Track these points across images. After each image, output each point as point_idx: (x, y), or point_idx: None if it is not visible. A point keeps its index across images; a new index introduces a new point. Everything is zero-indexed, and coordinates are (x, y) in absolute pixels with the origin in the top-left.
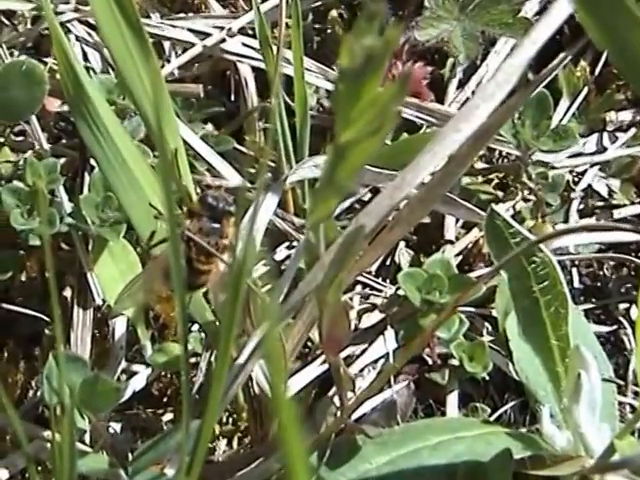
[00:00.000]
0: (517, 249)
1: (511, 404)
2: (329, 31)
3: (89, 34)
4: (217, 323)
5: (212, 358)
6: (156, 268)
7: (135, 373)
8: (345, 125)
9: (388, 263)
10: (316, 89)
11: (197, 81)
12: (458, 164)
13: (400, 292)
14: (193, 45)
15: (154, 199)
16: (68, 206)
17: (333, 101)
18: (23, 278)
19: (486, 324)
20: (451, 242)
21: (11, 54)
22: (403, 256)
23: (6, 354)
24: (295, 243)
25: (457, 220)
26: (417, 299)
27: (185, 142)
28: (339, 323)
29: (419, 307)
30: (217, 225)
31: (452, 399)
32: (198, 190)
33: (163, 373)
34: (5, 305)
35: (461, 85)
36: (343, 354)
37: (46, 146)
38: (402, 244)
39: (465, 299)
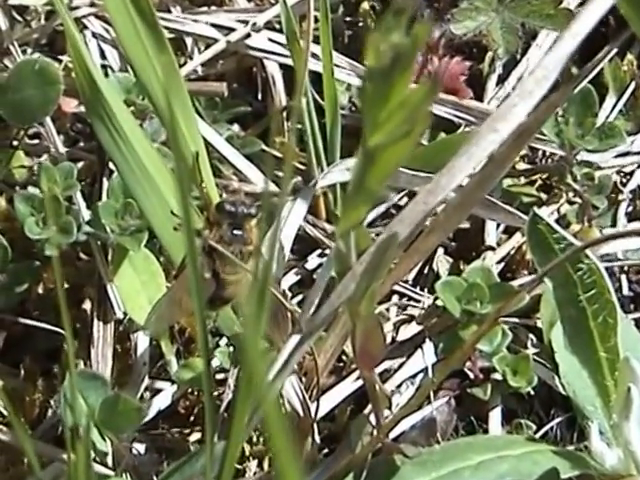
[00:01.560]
0: (562, 256)
1: (557, 420)
2: (360, 24)
3: (106, 30)
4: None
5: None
6: (183, 284)
7: (159, 390)
8: (374, 128)
9: (426, 271)
10: (347, 86)
11: (222, 79)
12: (497, 166)
13: (439, 302)
14: (216, 41)
15: (175, 206)
16: (86, 213)
17: (360, 102)
18: (40, 290)
19: (530, 335)
20: (492, 248)
21: (24, 52)
22: (441, 264)
23: (23, 371)
24: (327, 251)
25: (498, 225)
26: (456, 310)
27: (209, 144)
28: (373, 337)
29: (459, 318)
30: (239, 232)
31: (495, 415)
32: (224, 195)
33: (190, 390)
34: (21, 319)
35: (501, 81)
36: (379, 369)
37: (62, 149)
38: (440, 251)
39: (508, 309)
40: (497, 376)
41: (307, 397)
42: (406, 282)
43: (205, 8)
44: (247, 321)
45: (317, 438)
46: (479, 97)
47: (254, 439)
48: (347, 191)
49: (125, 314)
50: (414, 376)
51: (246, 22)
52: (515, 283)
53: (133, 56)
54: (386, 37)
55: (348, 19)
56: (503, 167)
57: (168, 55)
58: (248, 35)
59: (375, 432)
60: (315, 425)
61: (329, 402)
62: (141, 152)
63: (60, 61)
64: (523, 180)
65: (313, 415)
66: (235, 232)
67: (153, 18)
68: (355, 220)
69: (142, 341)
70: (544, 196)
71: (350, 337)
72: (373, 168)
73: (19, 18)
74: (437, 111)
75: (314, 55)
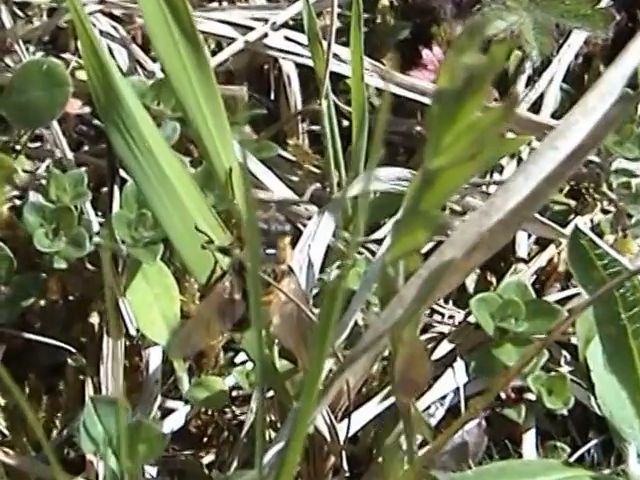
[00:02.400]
0: (612, 282)
1: (593, 442)
2: (379, 21)
3: (115, 28)
4: (276, 359)
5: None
6: (211, 305)
7: (172, 410)
8: (437, 150)
9: None
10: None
11: (231, 78)
12: (550, 184)
13: (470, 319)
14: (231, 40)
15: (199, 219)
16: (96, 222)
17: (426, 123)
18: (43, 302)
19: (564, 352)
20: (523, 260)
21: (26, 50)
22: (469, 276)
23: (28, 389)
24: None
25: (529, 235)
26: (490, 327)
27: None
28: (417, 364)
29: (492, 336)
30: (272, 250)
31: (529, 438)
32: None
33: (203, 409)
34: (23, 334)
35: (530, 82)
36: None
37: (69, 155)
38: None
39: (556, 335)
40: (531, 396)
41: (334, 421)
42: None
43: (217, 4)
44: (313, 352)
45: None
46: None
47: None
48: (401, 215)
49: (137, 330)
50: (444, 397)
51: (262, 20)
52: (550, 298)
53: (165, 58)
54: (460, 57)
55: (366, 16)
56: (556, 185)
57: (203, 58)
58: (265, 34)
59: (407, 460)
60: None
61: (354, 424)
62: (160, 159)
63: (63, 59)
64: None
65: (341, 439)
66: (268, 251)
67: (189, 19)
68: (409, 247)
69: (154, 358)
70: (572, 202)
71: (390, 363)
72: (431, 191)
73: (21, 14)
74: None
75: (335, 55)
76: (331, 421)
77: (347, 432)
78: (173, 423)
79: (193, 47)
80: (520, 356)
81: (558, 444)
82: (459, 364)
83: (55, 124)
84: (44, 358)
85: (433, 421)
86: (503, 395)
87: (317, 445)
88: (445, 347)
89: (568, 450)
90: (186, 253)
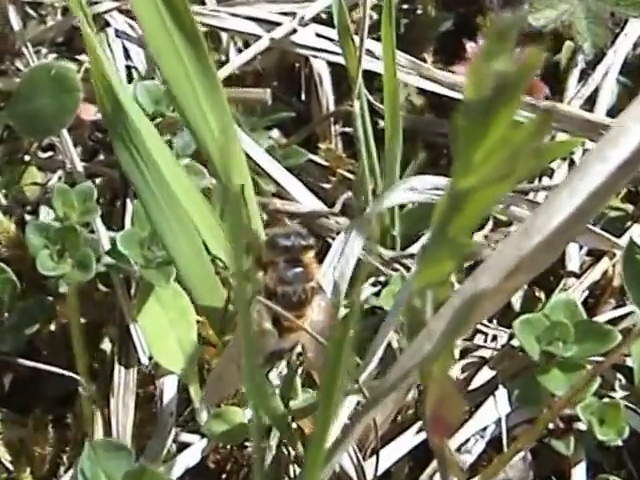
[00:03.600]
0: None
1: None
2: (419, 12)
3: (131, 27)
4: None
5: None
6: (236, 348)
7: (187, 445)
8: (467, 169)
9: None
10: (404, 84)
11: (259, 78)
12: (600, 199)
13: (514, 342)
14: (257, 37)
15: (211, 241)
16: (106, 239)
17: (454, 139)
18: (52, 327)
19: (618, 375)
20: (574, 274)
21: (37, 52)
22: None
23: (32, 421)
24: (382, 279)
25: (581, 247)
26: (536, 351)
27: (247, 156)
28: (448, 402)
29: (537, 361)
30: (298, 268)
31: (579, 473)
32: (264, 215)
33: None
34: (28, 362)
35: (584, 76)
36: None
37: (79, 167)
38: None
39: (610, 361)
40: (581, 425)
41: (361, 459)
42: None
43: None
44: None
45: None
46: (557, 93)
47: None
48: (428, 240)
49: (150, 358)
50: (485, 429)
51: (291, 14)
52: (604, 317)
53: (162, 60)
54: (488, 64)
55: (405, 6)
56: (606, 199)
57: (205, 60)
58: (294, 31)
59: None
60: None
61: (386, 460)
62: (168, 176)
63: (79, 62)
64: None
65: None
66: (294, 269)
67: (188, 15)
68: (437, 276)
69: (169, 387)
70: (630, 207)
71: (420, 401)
72: (460, 215)
73: (33, 13)
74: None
75: (368, 51)
76: (358, 460)
77: (376, 471)
78: (189, 459)
79: (195, 51)
80: (569, 383)
81: (611, 478)
82: (501, 392)
83: (65, 133)
84: (52, 388)
85: (471, 456)
86: (551, 425)
87: None
88: (486, 373)
89: None
90: (193, 280)
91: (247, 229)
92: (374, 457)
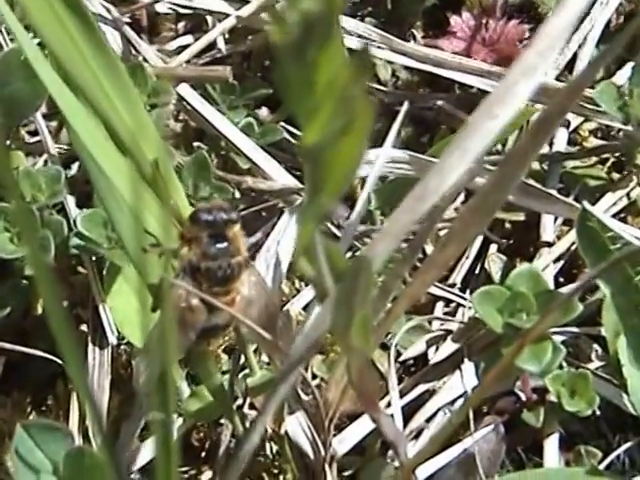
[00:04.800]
0: (614, 257)
1: (627, 446)
2: None
3: (107, 10)
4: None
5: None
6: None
7: None
8: (305, 122)
9: (478, 271)
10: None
11: (249, 58)
12: (516, 163)
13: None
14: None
15: (150, 219)
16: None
17: (280, 92)
18: (40, 310)
19: (595, 346)
20: (549, 244)
21: (12, 40)
22: (494, 263)
23: (11, 402)
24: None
25: (556, 217)
26: (498, 324)
27: (224, 136)
28: (366, 374)
29: (502, 333)
30: (223, 244)
31: (551, 444)
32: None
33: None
34: (7, 345)
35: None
36: (410, 395)
37: (52, 149)
38: (493, 248)
39: (546, 326)
40: (554, 397)
41: (317, 435)
42: (453, 286)
43: None
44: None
45: (334, 478)
46: None
47: None
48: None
49: (121, 338)
50: (452, 402)
51: None
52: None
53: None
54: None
55: None
56: (524, 164)
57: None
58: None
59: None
60: (332, 465)
61: (355, 435)
62: (98, 155)
63: None
64: (594, 159)
65: (326, 454)
66: (218, 245)
67: None
68: (307, 237)
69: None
70: (617, 176)
71: (346, 372)
72: (321, 174)
73: None
74: (485, 86)
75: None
76: (313, 436)
77: (327, 447)
78: None
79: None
80: (534, 357)
81: (585, 449)
82: (467, 366)
83: (39, 116)
84: (38, 371)
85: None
86: (523, 397)
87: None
88: (452, 346)
89: (599, 455)
90: (137, 259)
91: (168, 205)
92: (343, 433)
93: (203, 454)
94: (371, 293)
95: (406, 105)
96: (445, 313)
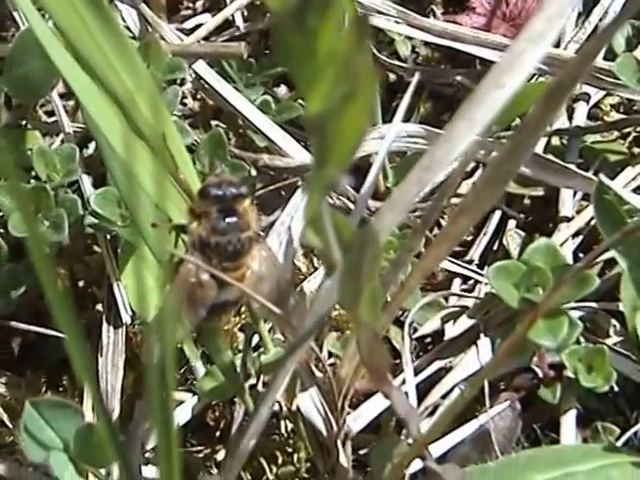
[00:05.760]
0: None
1: None
2: None
3: None
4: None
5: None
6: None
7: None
8: (307, 92)
9: (496, 248)
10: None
11: (267, 36)
12: (529, 132)
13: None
14: None
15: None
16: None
17: (282, 61)
18: None
19: (613, 322)
20: (567, 219)
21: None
22: (512, 239)
23: (25, 383)
24: None
25: (576, 192)
26: (514, 299)
27: (240, 114)
28: (375, 351)
29: (517, 309)
30: (232, 218)
31: (568, 421)
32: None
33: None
34: (23, 326)
35: (580, 21)
36: (427, 371)
37: (68, 128)
38: (512, 224)
39: (561, 299)
40: (571, 373)
41: (330, 411)
42: (471, 262)
43: None
44: None
45: (348, 456)
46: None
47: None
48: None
49: (135, 317)
50: (468, 379)
51: None
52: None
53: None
54: None
55: None
56: (536, 134)
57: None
58: None
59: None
60: (346, 442)
61: (370, 412)
62: (108, 131)
63: None
64: (616, 134)
65: (339, 431)
66: (228, 219)
67: None
68: (313, 210)
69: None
70: (638, 151)
71: (357, 347)
72: (327, 144)
73: None
74: (491, 56)
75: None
76: (325, 413)
77: (341, 424)
78: (180, 417)
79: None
80: (550, 331)
81: (601, 425)
82: (483, 342)
83: (55, 95)
84: (52, 351)
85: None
86: (540, 373)
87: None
88: (468, 322)
89: (617, 431)
90: (147, 234)
91: (179, 179)
92: (357, 410)
93: (218, 433)
94: (379, 265)
95: (417, 76)
96: (463, 290)
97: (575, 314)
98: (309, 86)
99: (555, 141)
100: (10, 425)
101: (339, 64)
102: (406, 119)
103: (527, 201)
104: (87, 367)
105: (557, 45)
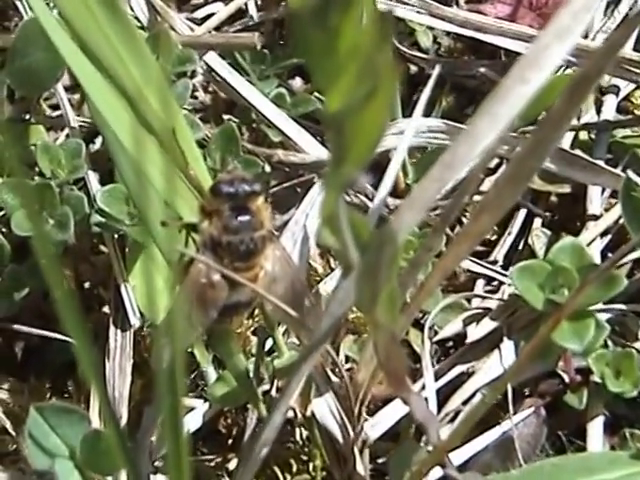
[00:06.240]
0: None
1: None
2: None
3: None
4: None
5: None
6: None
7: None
8: (327, 88)
9: (521, 247)
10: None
11: (281, 26)
12: (553, 126)
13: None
14: None
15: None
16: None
17: (303, 57)
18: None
19: None
20: (595, 218)
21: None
22: (537, 238)
23: (28, 389)
24: None
25: (604, 189)
26: (539, 300)
27: (254, 108)
28: (393, 352)
29: (543, 311)
30: (245, 216)
31: (595, 427)
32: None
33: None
34: (25, 329)
35: (609, 10)
36: (448, 376)
37: (73, 122)
38: (537, 223)
39: (586, 300)
40: (598, 378)
41: (346, 418)
42: (495, 263)
43: None
44: None
45: (365, 465)
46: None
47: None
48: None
49: (143, 319)
50: (490, 384)
51: None
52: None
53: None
54: None
55: None
56: (560, 128)
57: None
58: None
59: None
60: (363, 450)
61: (388, 419)
62: (115, 125)
63: None
64: None
65: (355, 438)
66: (240, 218)
67: None
68: (330, 208)
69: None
70: None
71: (374, 350)
72: (345, 142)
73: None
74: (516, 47)
75: None
76: (342, 419)
77: (358, 431)
78: (191, 424)
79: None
80: (576, 334)
81: (633, 432)
82: (507, 345)
83: (60, 88)
84: (57, 356)
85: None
86: (566, 378)
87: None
88: (490, 324)
89: None
90: (156, 233)
91: (189, 175)
92: (375, 417)
93: (230, 441)
94: (397, 265)
95: (439, 68)
96: (487, 292)
97: (602, 316)
98: (329, 83)
99: (583, 136)
100: (13, 433)
101: (360, 61)
102: (427, 113)
103: (553, 198)
104: (95, 372)
105: (585, 36)
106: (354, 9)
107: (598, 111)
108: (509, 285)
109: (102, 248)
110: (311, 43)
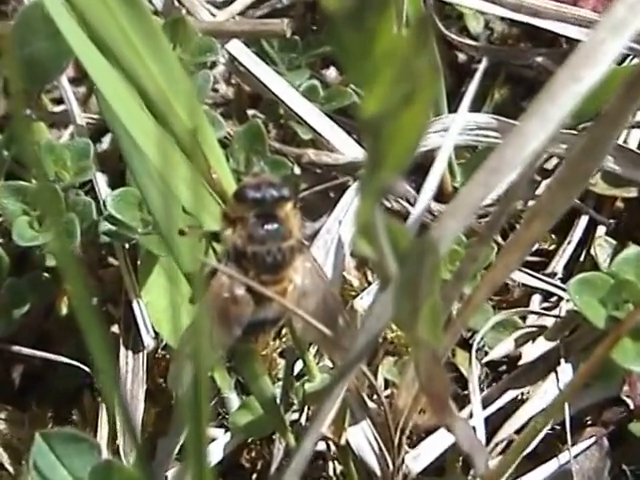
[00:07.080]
0: None
1: None
2: None
3: None
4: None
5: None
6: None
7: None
8: (364, 92)
9: (583, 258)
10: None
11: (313, 10)
12: (609, 125)
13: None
14: None
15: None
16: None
17: (338, 58)
18: (64, 310)
19: None
20: None
21: None
22: (601, 248)
23: (28, 419)
24: None
25: None
26: (601, 317)
27: (282, 102)
28: (436, 374)
29: (605, 329)
30: (272, 224)
31: None
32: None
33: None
34: (26, 350)
35: None
36: (499, 401)
37: (80, 119)
38: (601, 231)
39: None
40: None
41: (385, 449)
42: (553, 275)
43: None
44: None
45: None
46: None
47: None
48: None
49: (159, 339)
50: (545, 411)
51: None
52: None
53: None
54: None
55: None
56: (618, 125)
57: None
58: None
59: None
60: None
61: (432, 450)
62: (130, 124)
63: None
64: None
65: (396, 471)
66: (267, 226)
67: None
68: (366, 216)
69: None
70: None
71: (415, 371)
72: (382, 147)
73: None
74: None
75: None
76: (380, 450)
77: (397, 462)
78: (211, 456)
79: None
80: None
81: None
82: (564, 367)
83: (64, 81)
84: (61, 381)
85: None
86: (631, 405)
87: None
88: (546, 344)
89: None
90: (174, 242)
91: (210, 179)
92: (418, 448)
93: (254, 476)
94: (440, 278)
95: (491, 56)
96: (543, 309)
97: None
98: (366, 86)
99: None
100: (11, 469)
101: (398, 64)
102: (477, 108)
103: (619, 204)
104: (118, 397)
105: None
106: (390, 12)
107: None
108: (567, 301)
109: (111, 260)
110: (346, 45)
